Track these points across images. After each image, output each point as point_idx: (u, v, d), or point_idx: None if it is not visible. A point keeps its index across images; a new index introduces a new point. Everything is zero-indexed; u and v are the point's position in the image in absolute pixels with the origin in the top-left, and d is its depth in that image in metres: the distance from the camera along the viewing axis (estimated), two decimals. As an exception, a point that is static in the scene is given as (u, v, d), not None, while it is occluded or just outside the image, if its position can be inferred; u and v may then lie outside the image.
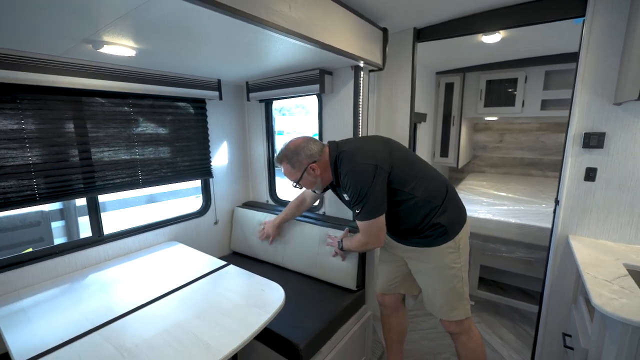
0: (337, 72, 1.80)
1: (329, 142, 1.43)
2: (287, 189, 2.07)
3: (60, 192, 1.47)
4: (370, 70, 1.84)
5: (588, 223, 1.49)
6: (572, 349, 1.31)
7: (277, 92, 1.97)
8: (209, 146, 2.11)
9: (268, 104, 2.25)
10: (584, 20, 1.39)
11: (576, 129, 1.45)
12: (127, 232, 1.76)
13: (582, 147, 1.44)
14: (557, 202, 1.56)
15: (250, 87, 2.11)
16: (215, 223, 2.22)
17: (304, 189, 1.56)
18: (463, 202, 1.46)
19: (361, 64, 1.67)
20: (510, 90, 2.82)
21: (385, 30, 1.77)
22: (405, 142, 1.96)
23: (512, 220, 2.29)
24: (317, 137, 1.67)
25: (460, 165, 3.21)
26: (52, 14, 0.91)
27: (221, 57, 1.51)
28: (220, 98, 2.04)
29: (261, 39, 1.22)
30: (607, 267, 1.20)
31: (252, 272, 1.49)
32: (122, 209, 5.12)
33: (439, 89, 3.05)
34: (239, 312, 1.17)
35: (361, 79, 1.71)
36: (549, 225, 1.65)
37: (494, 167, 3.98)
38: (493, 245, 2.42)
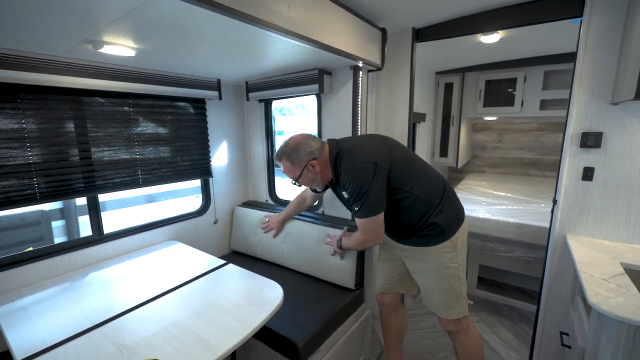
0: (336, 72, 1.81)
1: (329, 140, 1.43)
2: (287, 189, 2.09)
3: (61, 191, 1.48)
4: (369, 70, 1.85)
5: (586, 222, 1.49)
6: (569, 347, 1.32)
7: (277, 92, 1.98)
8: (208, 146, 2.12)
9: (267, 103, 2.26)
10: (581, 21, 1.40)
11: (574, 128, 1.45)
12: (127, 231, 1.77)
13: (580, 147, 1.45)
14: (555, 201, 1.57)
15: (250, 87, 2.12)
16: (215, 222, 2.23)
17: (303, 187, 1.56)
18: (462, 202, 1.47)
19: (360, 64, 1.68)
20: (509, 90, 2.82)
21: (384, 31, 1.78)
22: (404, 142, 1.96)
23: (511, 220, 2.30)
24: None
25: (459, 165, 3.22)
26: (52, 14, 0.91)
27: (220, 57, 1.51)
28: (220, 98, 2.04)
29: (260, 39, 1.22)
30: (604, 266, 1.20)
31: (252, 271, 1.50)
32: (122, 209, 5.12)
33: (438, 89, 3.05)
34: (238, 310, 1.18)
35: (360, 79, 1.72)
36: (548, 225, 1.66)
37: (493, 167, 3.98)
38: (492, 244, 2.43)
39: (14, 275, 1.37)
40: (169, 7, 0.89)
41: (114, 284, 1.43)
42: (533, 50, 2.35)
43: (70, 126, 1.48)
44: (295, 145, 1.38)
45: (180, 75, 1.77)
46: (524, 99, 2.76)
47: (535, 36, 1.99)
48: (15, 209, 1.39)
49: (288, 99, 2.10)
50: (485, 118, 3.42)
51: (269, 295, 1.28)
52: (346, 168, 1.28)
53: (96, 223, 1.66)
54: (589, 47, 1.38)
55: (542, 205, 2.59)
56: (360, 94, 1.74)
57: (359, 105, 1.75)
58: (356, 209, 1.28)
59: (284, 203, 2.29)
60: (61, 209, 4.00)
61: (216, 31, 1.12)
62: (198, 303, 1.24)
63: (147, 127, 1.78)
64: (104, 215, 1.71)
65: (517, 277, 2.68)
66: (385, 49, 1.81)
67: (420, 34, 1.86)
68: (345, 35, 1.45)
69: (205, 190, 2.19)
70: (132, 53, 1.30)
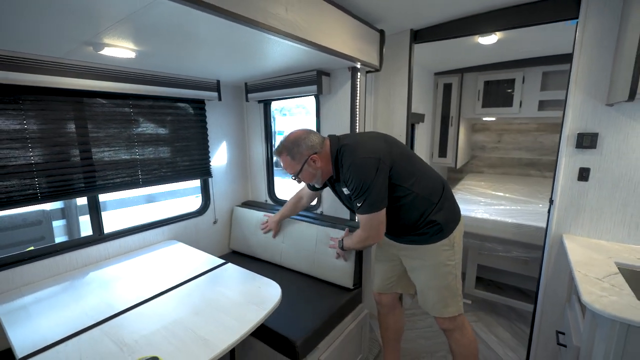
0: (335, 73, 1.82)
1: (330, 136, 1.42)
2: (286, 189, 2.10)
3: (62, 191, 1.49)
4: (368, 72, 1.86)
5: (582, 222, 1.51)
6: (565, 346, 1.33)
7: (276, 93, 2.00)
8: (208, 146, 2.13)
9: (267, 104, 2.27)
10: (577, 22, 1.41)
11: (570, 129, 1.46)
12: (128, 231, 1.79)
13: (576, 148, 1.46)
14: (551, 201, 1.58)
15: (249, 88, 2.14)
16: (215, 222, 2.24)
17: (302, 184, 1.54)
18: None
19: (358, 66, 1.69)
20: (509, 91, 2.83)
21: (382, 32, 1.79)
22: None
23: (509, 220, 2.31)
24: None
25: (458, 166, 3.23)
26: (53, 16, 0.93)
27: (220, 59, 1.53)
28: (220, 99, 2.06)
29: (258, 41, 1.24)
30: (598, 266, 1.22)
31: (251, 270, 1.51)
32: (122, 209, 5.14)
33: (437, 90, 3.06)
34: (236, 309, 1.19)
35: (358, 80, 1.73)
36: (545, 225, 1.67)
37: (492, 167, 3.99)
38: (490, 244, 2.44)
39: (15, 274, 1.38)
40: (167, 11, 0.91)
41: (114, 283, 1.44)
42: (531, 51, 2.36)
43: (71, 127, 1.50)
44: (296, 140, 1.36)
45: (180, 76, 1.79)
46: (522, 99, 2.78)
47: (533, 37, 2.00)
48: (17, 209, 1.40)
49: (288, 100, 2.11)
50: (484, 118, 3.43)
51: (268, 294, 1.29)
52: (348, 163, 1.27)
53: (97, 223, 1.68)
54: (585, 48, 1.39)
55: (541, 205, 2.60)
56: (358, 94, 1.75)
57: (357, 106, 1.76)
58: (358, 204, 1.27)
59: (283, 203, 2.29)
60: (62, 209, 4.02)
61: (215, 33, 1.14)
62: (197, 302, 1.25)
63: (147, 128, 1.80)
64: (105, 215, 1.72)
65: (515, 277, 2.69)
66: (384, 50, 1.83)
67: (418, 35, 1.87)
68: (343, 37, 1.46)
69: (205, 190, 2.20)
70: (133, 55, 1.32)
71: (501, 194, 3.00)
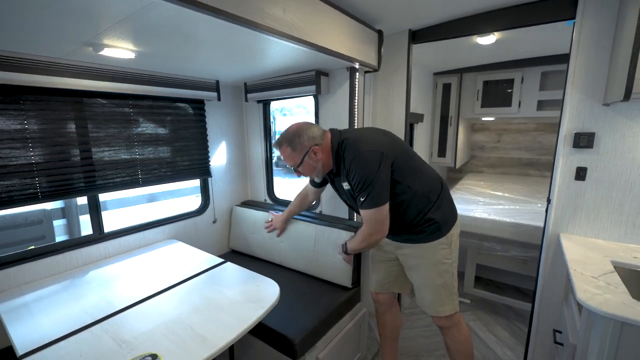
0: (333, 74, 1.83)
1: (331, 129, 1.41)
2: (285, 189, 2.11)
3: (62, 190, 1.51)
4: (366, 72, 1.87)
5: (579, 221, 1.51)
6: (561, 344, 1.34)
7: (275, 93, 2.01)
8: (207, 146, 2.14)
9: (266, 104, 2.28)
10: (574, 23, 1.42)
11: (567, 129, 1.47)
12: (127, 230, 1.80)
13: (573, 147, 1.47)
14: (549, 201, 1.59)
15: (248, 88, 2.15)
16: (214, 222, 2.25)
17: (305, 180, 1.53)
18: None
19: (356, 66, 1.70)
20: (508, 91, 2.84)
21: (380, 32, 1.80)
22: (400, 142, 1.98)
23: (507, 220, 2.32)
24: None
25: (457, 166, 3.24)
26: (53, 17, 0.94)
27: (219, 59, 1.54)
28: (219, 99, 2.07)
29: (257, 42, 1.25)
30: (594, 264, 1.22)
31: (250, 269, 1.52)
32: (122, 208, 5.16)
33: (436, 90, 3.07)
34: (235, 307, 1.20)
35: (357, 80, 1.74)
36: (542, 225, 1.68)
37: (491, 167, 3.99)
38: (488, 244, 2.44)
39: (16, 272, 1.39)
40: (167, 12, 0.92)
41: (114, 281, 1.45)
42: (530, 51, 2.37)
43: (72, 127, 1.51)
44: (297, 131, 1.35)
45: (179, 76, 1.80)
46: (521, 99, 2.78)
47: (532, 37, 2.00)
48: (18, 208, 1.42)
49: (288, 100, 2.12)
50: (483, 118, 3.44)
51: (266, 292, 1.30)
52: (351, 157, 1.26)
53: (97, 222, 1.69)
54: (582, 48, 1.40)
55: (539, 205, 2.60)
56: (357, 94, 1.76)
57: (356, 106, 1.77)
58: (362, 199, 1.25)
59: (283, 203, 2.32)
60: (62, 208, 4.04)
61: (214, 34, 1.15)
62: (196, 300, 1.26)
63: (147, 128, 1.81)
64: (105, 215, 1.74)
65: (514, 276, 2.69)
66: (382, 50, 1.84)
67: (417, 36, 1.88)
68: (340, 37, 1.47)
69: (205, 190, 2.21)
70: (132, 55, 1.33)
71: (500, 193, 3.01)
